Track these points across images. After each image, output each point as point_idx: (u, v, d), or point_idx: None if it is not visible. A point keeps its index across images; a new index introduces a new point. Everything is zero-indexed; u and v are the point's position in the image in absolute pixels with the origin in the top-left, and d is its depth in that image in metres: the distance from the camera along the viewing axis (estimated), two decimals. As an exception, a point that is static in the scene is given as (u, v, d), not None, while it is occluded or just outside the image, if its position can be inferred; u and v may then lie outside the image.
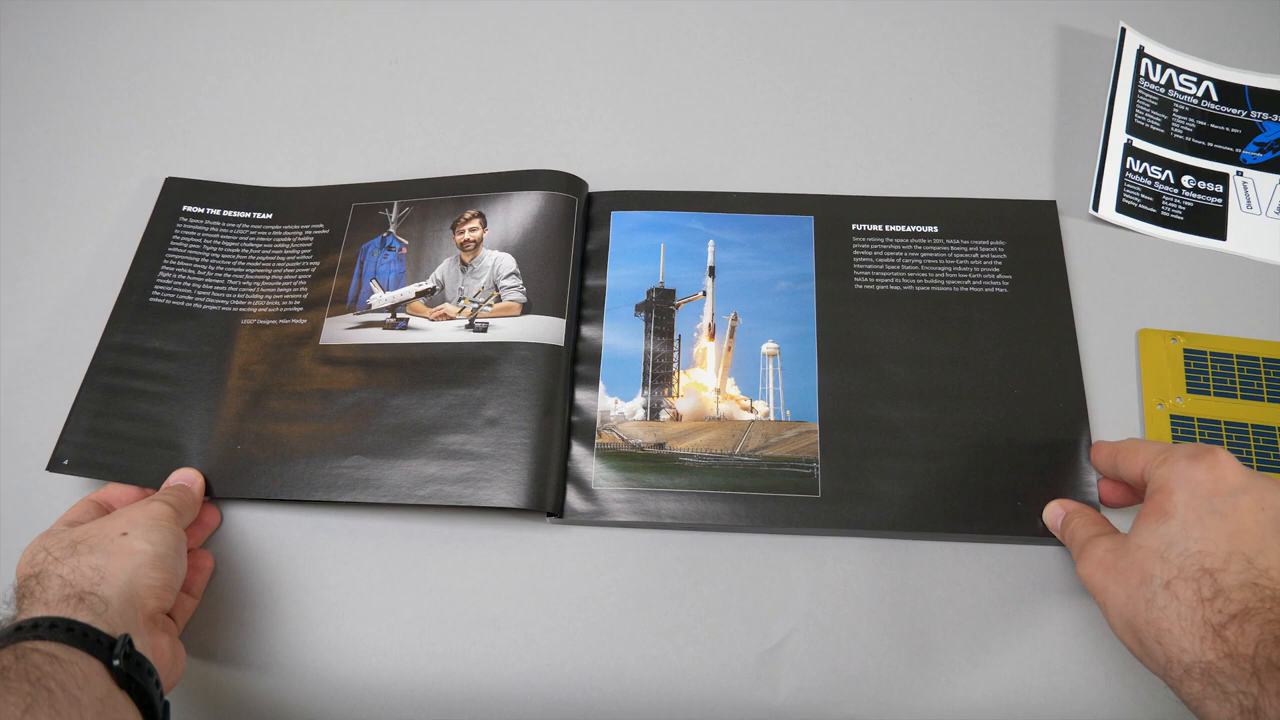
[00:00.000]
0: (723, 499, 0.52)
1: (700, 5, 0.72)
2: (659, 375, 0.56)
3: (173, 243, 0.61)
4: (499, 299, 0.57)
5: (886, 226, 0.60)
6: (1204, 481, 0.39)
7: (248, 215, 0.63)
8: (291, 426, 0.54)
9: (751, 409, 0.55)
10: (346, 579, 0.51)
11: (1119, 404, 0.54)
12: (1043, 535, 0.49)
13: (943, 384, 0.54)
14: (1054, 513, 0.49)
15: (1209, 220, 0.60)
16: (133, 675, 0.38)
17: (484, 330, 0.56)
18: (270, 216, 0.63)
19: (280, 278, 0.60)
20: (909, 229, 0.60)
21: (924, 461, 0.52)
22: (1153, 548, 0.38)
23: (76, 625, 0.38)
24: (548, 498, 0.51)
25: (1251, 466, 0.51)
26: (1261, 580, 0.36)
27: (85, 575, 0.41)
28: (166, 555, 0.44)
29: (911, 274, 0.58)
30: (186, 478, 0.52)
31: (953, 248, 0.59)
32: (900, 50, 0.69)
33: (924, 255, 0.59)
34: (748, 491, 0.52)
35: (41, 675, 0.35)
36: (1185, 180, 0.62)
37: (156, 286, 0.60)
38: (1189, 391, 0.54)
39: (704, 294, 0.59)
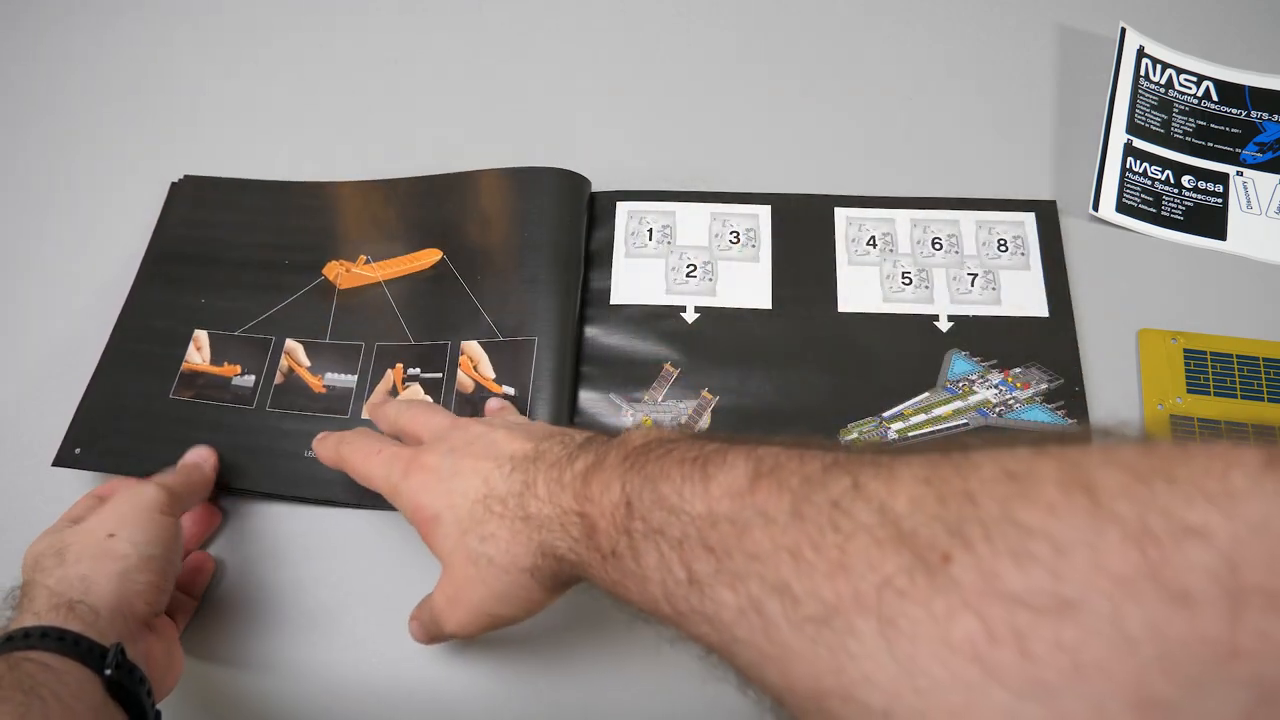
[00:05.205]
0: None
1: (701, 5, 0.72)
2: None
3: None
4: None
5: (887, 226, 0.60)
6: (425, 486, 0.40)
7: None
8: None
9: (752, 409, 0.55)
10: (347, 578, 0.51)
11: (1119, 404, 0.54)
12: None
13: (943, 384, 0.54)
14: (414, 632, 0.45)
15: (1209, 220, 0.60)
16: (124, 684, 0.38)
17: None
18: (271, 216, 0.63)
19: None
20: (909, 229, 0.60)
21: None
22: (455, 543, 0.39)
23: (68, 634, 0.38)
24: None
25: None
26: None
27: (72, 585, 0.40)
28: (154, 555, 0.43)
29: (912, 274, 0.58)
30: (200, 455, 0.51)
31: (953, 248, 0.59)
32: (900, 50, 0.69)
33: (924, 255, 0.59)
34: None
35: (35, 685, 0.35)
36: (1185, 180, 0.62)
37: None
38: (1189, 391, 0.54)
39: (704, 294, 0.59)
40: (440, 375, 0.54)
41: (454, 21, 0.72)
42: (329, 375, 0.55)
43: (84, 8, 0.74)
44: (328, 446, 0.47)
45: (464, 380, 0.54)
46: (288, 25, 0.73)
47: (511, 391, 0.53)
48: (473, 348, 0.55)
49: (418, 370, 0.55)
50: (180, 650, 0.45)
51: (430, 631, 0.43)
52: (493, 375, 0.54)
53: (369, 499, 0.50)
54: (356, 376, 0.55)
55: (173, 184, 0.63)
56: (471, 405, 0.53)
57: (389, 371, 0.55)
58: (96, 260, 0.61)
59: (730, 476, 0.29)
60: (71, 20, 0.74)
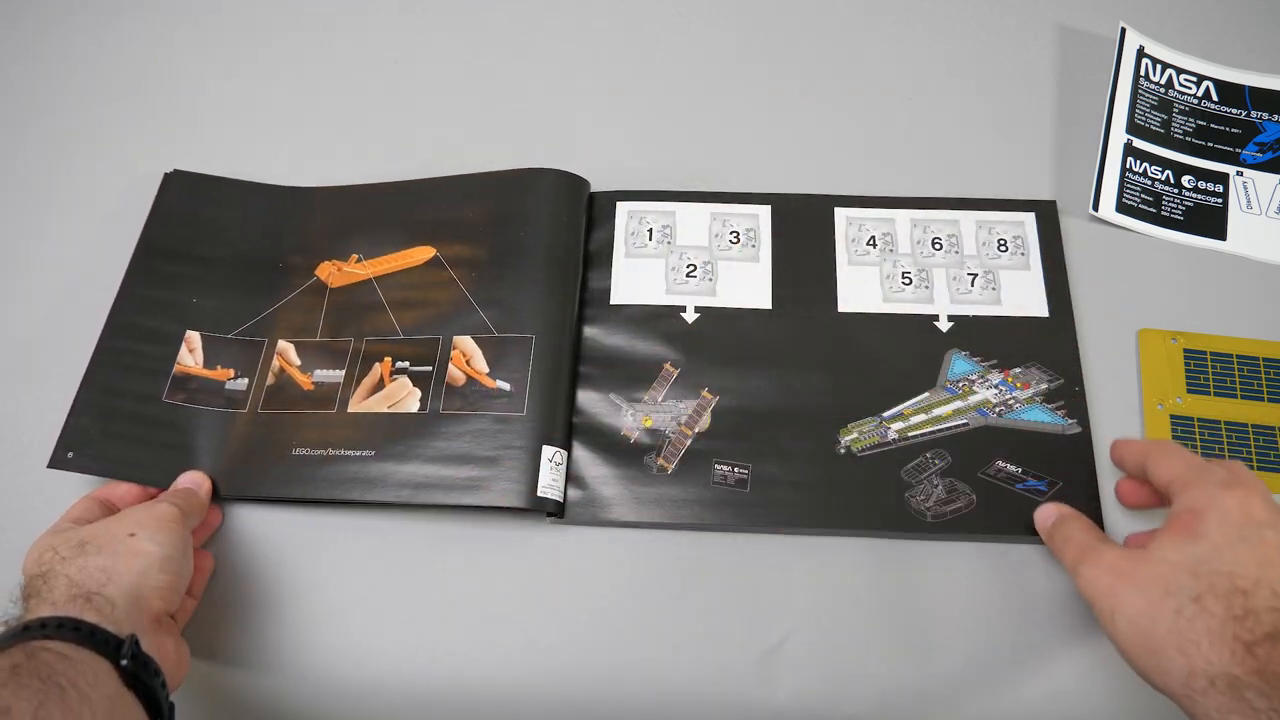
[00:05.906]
0: (723, 499, 0.52)
1: (701, 5, 0.72)
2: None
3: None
4: None
5: (886, 226, 0.60)
6: (1236, 510, 0.40)
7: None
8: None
9: (752, 409, 0.55)
10: (347, 579, 0.51)
11: (1119, 404, 0.54)
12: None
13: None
14: (1046, 514, 0.48)
15: (1209, 220, 0.60)
16: (139, 675, 0.39)
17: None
18: (271, 216, 0.63)
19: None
20: (909, 229, 0.60)
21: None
22: (1181, 563, 0.40)
23: (84, 625, 0.39)
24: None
25: (1252, 467, 0.51)
26: None
27: (92, 576, 0.42)
28: (173, 557, 0.44)
29: (911, 274, 0.58)
30: (194, 480, 0.52)
31: (953, 248, 0.59)
32: (900, 50, 0.69)
33: (924, 255, 0.59)
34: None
35: (52, 673, 0.36)
36: (1185, 180, 0.62)
37: None
38: (1189, 391, 0.54)
39: (704, 294, 0.59)
40: (430, 369, 0.54)
41: (454, 21, 0.72)
42: (317, 372, 0.56)
43: (84, 8, 0.74)
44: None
45: (455, 374, 0.54)
46: (288, 25, 0.73)
47: (507, 387, 0.53)
48: (465, 342, 0.55)
49: (406, 364, 0.55)
50: (186, 647, 0.45)
51: (1067, 553, 0.45)
52: (486, 369, 0.54)
53: (358, 494, 0.51)
54: (344, 372, 0.55)
55: (165, 175, 0.63)
56: (463, 398, 0.53)
57: (376, 365, 0.55)
58: (97, 261, 0.61)
59: None
60: (71, 20, 0.74)
